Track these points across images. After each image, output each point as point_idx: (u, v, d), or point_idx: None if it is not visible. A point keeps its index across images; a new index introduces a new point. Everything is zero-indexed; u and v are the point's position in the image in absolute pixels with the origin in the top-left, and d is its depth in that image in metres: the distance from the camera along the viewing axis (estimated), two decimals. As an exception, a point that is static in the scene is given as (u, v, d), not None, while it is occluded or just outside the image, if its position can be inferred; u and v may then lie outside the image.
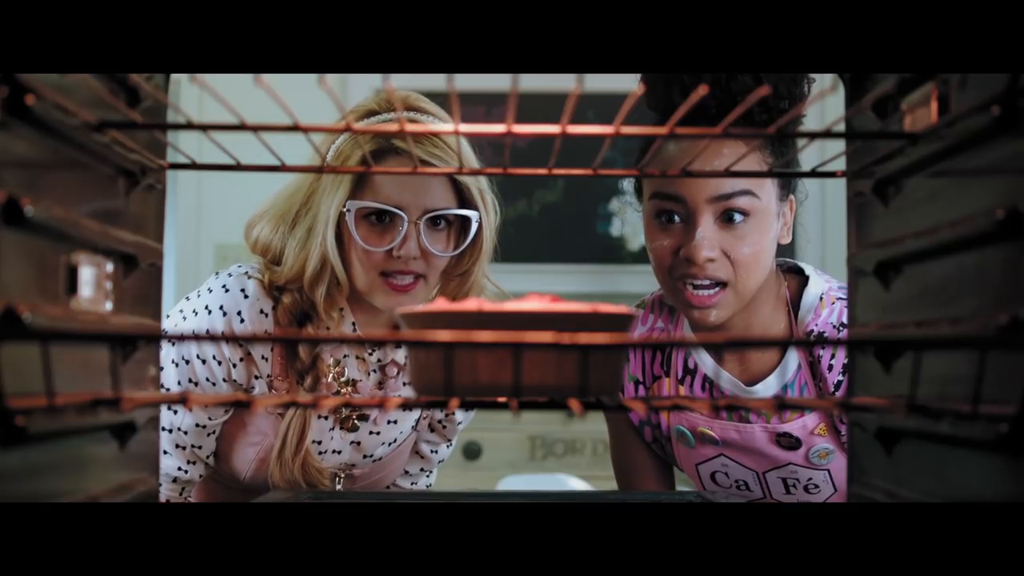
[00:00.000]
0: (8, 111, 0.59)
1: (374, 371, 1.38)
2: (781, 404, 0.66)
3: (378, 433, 1.40)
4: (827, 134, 0.76)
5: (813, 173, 0.81)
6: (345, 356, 1.35)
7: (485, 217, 1.31)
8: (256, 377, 1.31)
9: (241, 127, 0.72)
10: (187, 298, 1.35)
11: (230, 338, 0.64)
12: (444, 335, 0.63)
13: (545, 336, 0.62)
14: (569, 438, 3.04)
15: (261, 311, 1.30)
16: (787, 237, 1.29)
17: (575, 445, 3.04)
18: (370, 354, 1.37)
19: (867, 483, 0.83)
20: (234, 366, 1.30)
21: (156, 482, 0.86)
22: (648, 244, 1.29)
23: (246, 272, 1.33)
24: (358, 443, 1.39)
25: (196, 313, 1.31)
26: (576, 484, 2.46)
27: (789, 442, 1.29)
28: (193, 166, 0.84)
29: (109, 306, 0.75)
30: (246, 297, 1.30)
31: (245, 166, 0.85)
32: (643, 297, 1.47)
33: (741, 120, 1.18)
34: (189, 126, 0.74)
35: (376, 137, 1.25)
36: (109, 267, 0.75)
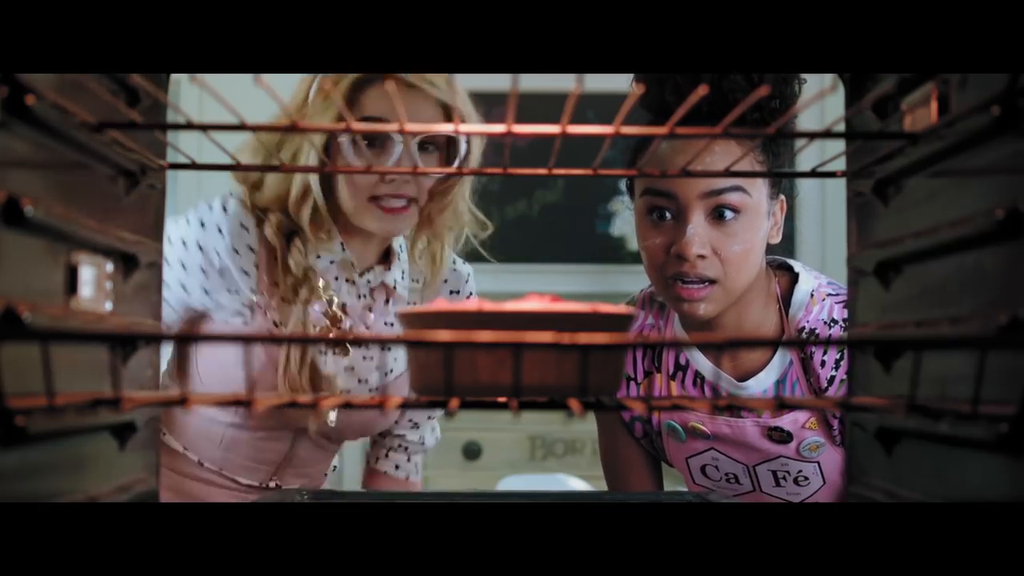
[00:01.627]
0: (8, 111, 0.59)
1: (364, 295, 1.38)
2: (780, 404, 0.66)
3: (372, 358, 1.39)
4: (827, 134, 0.76)
5: (813, 173, 0.81)
6: (336, 279, 1.34)
7: (476, 142, 1.31)
8: (230, 291, 1.30)
9: (241, 127, 0.72)
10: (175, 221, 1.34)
11: (234, 338, 0.64)
12: (444, 335, 0.63)
13: (545, 336, 0.62)
14: (569, 438, 3.04)
15: (242, 225, 1.30)
16: (776, 237, 1.30)
17: (575, 445, 3.04)
18: (360, 275, 1.37)
19: (867, 483, 0.83)
20: (204, 272, 1.29)
21: (156, 482, 0.86)
22: (640, 242, 1.29)
23: (229, 192, 1.33)
24: (352, 368, 1.38)
25: (188, 222, 1.31)
26: (576, 484, 2.46)
27: (780, 436, 1.30)
28: (193, 166, 0.84)
29: (109, 306, 0.75)
30: (225, 211, 1.30)
31: (245, 166, 0.85)
32: (632, 294, 1.47)
33: (735, 121, 1.19)
34: (189, 126, 0.74)
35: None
36: (109, 267, 0.75)
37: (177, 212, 1.36)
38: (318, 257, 1.32)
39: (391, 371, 1.43)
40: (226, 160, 0.83)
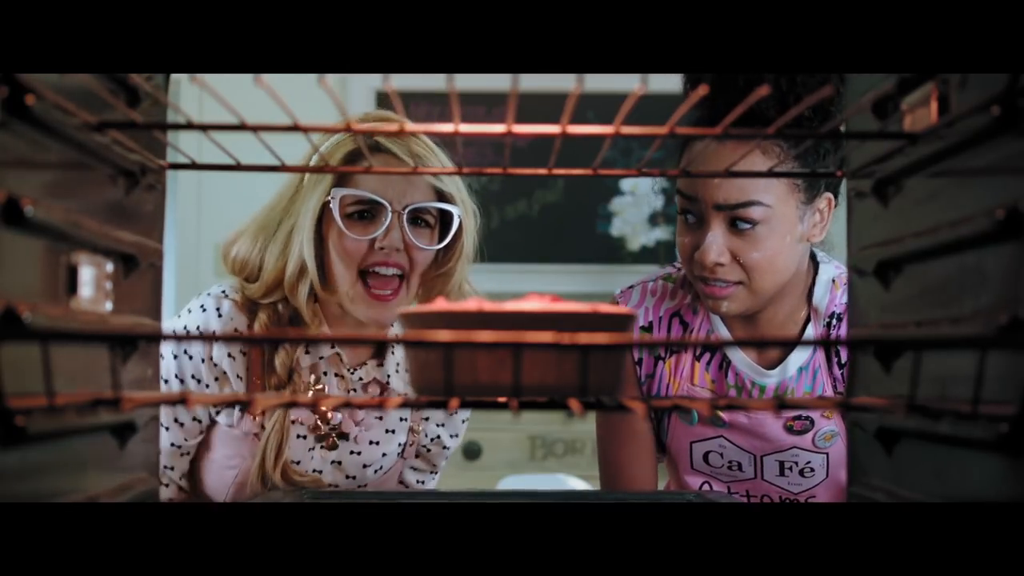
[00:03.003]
0: (8, 111, 0.59)
1: (354, 390, 1.38)
2: (781, 404, 0.66)
3: (359, 453, 1.38)
4: (827, 135, 0.76)
5: (813, 173, 0.81)
6: (324, 374, 1.35)
7: (465, 217, 1.33)
8: None
9: (241, 127, 0.72)
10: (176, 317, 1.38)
11: (230, 338, 0.64)
12: (444, 335, 0.63)
13: (545, 336, 0.62)
14: (569, 438, 3.04)
15: (236, 330, 1.32)
16: (819, 235, 1.31)
17: (575, 445, 3.04)
18: (351, 372, 1.37)
19: (867, 483, 0.83)
20: (207, 387, 1.32)
21: (156, 482, 0.86)
22: (676, 237, 1.34)
23: (223, 291, 1.35)
24: (339, 463, 1.38)
25: (175, 333, 1.33)
26: (576, 484, 2.46)
27: (803, 426, 1.31)
28: (193, 166, 0.84)
29: (109, 306, 0.75)
30: (220, 316, 1.32)
31: (245, 166, 0.85)
32: (668, 271, 1.48)
33: (793, 126, 1.19)
34: (189, 126, 0.74)
35: (357, 138, 1.26)
36: (109, 267, 0.75)
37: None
38: (307, 352, 1.33)
39: (380, 468, 1.42)
40: (226, 160, 0.83)
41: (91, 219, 0.71)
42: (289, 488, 1.30)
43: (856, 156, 0.85)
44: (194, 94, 2.86)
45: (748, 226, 1.22)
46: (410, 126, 0.76)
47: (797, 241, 1.27)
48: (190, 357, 1.31)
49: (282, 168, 0.87)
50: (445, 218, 1.32)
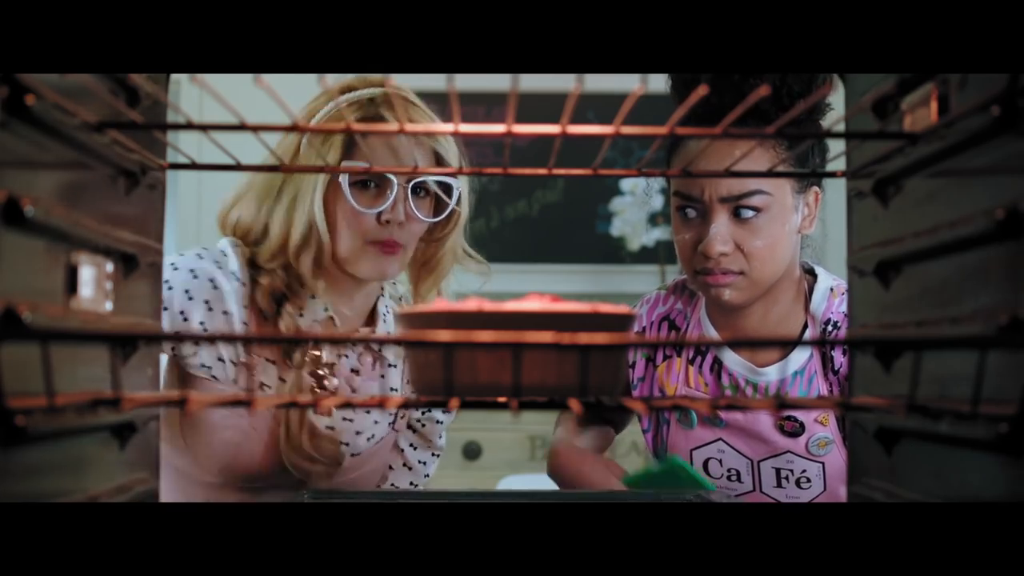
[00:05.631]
0: (8, 111, 0.59)
1: (346, 356, 1.38)
2: (781, 404, 0.66)
3: (351, 420, 1.39)
4: (827, 134, 0.76)
5: (813, 173, 0.82)
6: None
7: (462, 184, 1.35)
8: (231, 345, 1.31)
9: (241, 127, 0.72)
10: (171, 265, 1.33)
11: (232, 338, 0.64)
12: (444, 335, 0.63)
13: (545, 336, 0.62)
14: (569, 438, 3.03)
15: (240, 280, 1.31)
16: (810, 228, 1.34)
17: (575, 445, 3.04)
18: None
19: (867, 483, 0.83)
20: (211, 310, 1.30)
21: (156, 482, 0.86)
22: (673, 236, 1.36)
23: (230, 243, 1.34)
24: (332, 428, 1.38)
25: (176, 268, 1.30)
26: (576, 484, 2.46)
27: (793, 427, 1.32)
28: (193, 166, 0.84)
29: (109, 306, 0.75)
30: (220, 269, 1.30)
31: (245, 166, 0.85)
32: (641, 292, 1.51)
33: (790, 124, 1.21)
34: (189, 126, 0.74)
35: (362, 107, 1.28)
36: (109, 267, 0.75)
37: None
38: (301, 316, 1.33)
39: (372, 436, 1.42)
40: (226, 160, 0.83)
41: (91, 219, 0.71)
42: (322, 455, 1.30)
43: (856, 156, 0.85)
44: (194, 94, 2.87)
45: (752, 214, 1.25)
46: (409, 126, 0.76)
47: (794, 231, 1.30)
48: (195, 277, 1.28)
49: (282, 168, 0.87)
50: (441, 186, 1.33)
